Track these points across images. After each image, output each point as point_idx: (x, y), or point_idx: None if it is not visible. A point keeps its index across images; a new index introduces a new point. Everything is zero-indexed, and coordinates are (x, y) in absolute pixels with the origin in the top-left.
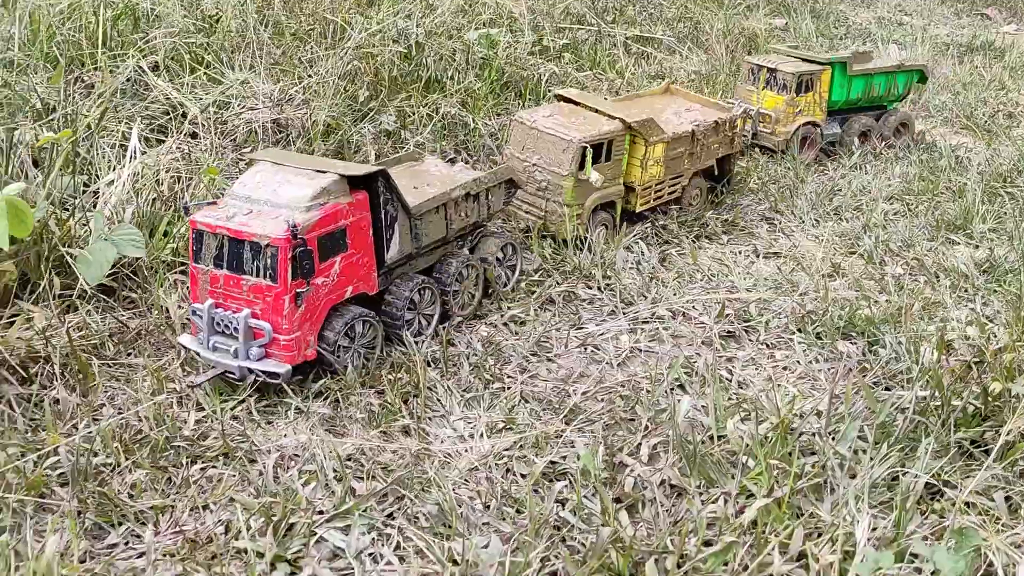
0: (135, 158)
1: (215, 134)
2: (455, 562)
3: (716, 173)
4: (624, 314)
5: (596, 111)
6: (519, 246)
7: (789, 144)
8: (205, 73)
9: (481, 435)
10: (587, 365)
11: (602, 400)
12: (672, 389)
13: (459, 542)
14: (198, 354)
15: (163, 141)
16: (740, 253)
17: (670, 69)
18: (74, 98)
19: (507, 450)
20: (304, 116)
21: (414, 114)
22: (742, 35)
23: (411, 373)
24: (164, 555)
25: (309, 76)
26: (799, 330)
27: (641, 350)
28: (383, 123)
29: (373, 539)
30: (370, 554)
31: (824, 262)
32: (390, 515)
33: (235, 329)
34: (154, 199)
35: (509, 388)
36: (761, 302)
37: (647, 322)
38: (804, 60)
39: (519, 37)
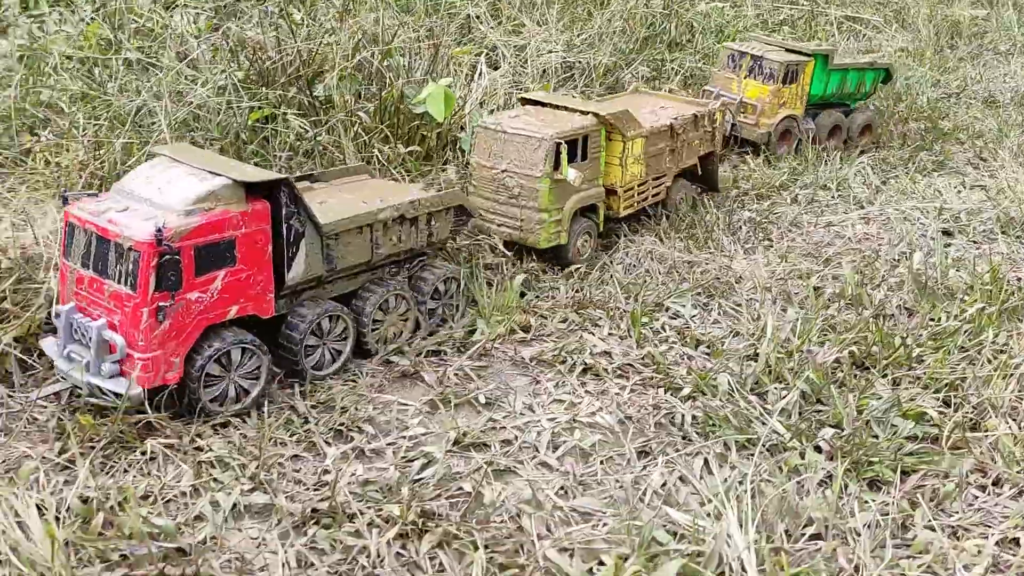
0: (482, 77)
1: (529, 68)
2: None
3: (700, 173)
4: (856, 212)
5: (566, 109)
6: (463, 282)
7: (771, 137)
8: (511, 24)
9: (762, 266)
10: (832, 238)
11: (847, 257)
12: (898, 258)
13: (766, 310)
14: (53, 362)
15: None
16: (950, 185)
17: (879, 45)
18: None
19: (784, 275)
20: (587, 59)
21: (664, 66)
22: (945, 21)
23: (707, 228)
24: (564, 306)
25: (586, 29)
26: (1003, 231)
27: (873, 235)
28: (641, 72)
29: (699, 311)
30: (696, 316)
31: None
32: (705, 303)
33: (89, 339)
34: (496, 107)
35: (775, 245)
36: (969, 211)
37: (880, 214)
38: (788, 50)
39: (742, 11)
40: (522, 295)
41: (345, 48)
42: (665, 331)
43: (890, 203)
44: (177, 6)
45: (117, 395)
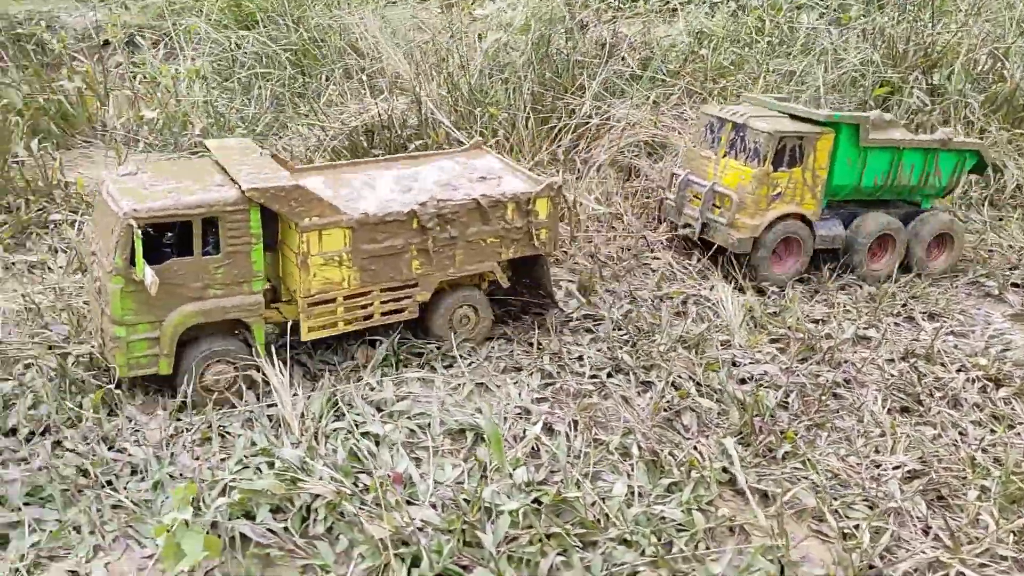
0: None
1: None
2: None
3: (506, 285)
4: None
5: (225, 172)
6: None
7: (757, 245)
8: None
9: None
10: None
11: None
12: None
13: None
14: None
15: None
16: None
17: None
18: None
19: None
20: None
21: None
22: None
23: None
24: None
25: None
26: None
27: None
28: None
29: None
30: None
31: None
32: None
33: None
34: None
35: None
36: None
37: None
38: (792, 116)
39: None
40: None
41: (969, 45)
42: None
43: None
44: (807, 6)
45: None
